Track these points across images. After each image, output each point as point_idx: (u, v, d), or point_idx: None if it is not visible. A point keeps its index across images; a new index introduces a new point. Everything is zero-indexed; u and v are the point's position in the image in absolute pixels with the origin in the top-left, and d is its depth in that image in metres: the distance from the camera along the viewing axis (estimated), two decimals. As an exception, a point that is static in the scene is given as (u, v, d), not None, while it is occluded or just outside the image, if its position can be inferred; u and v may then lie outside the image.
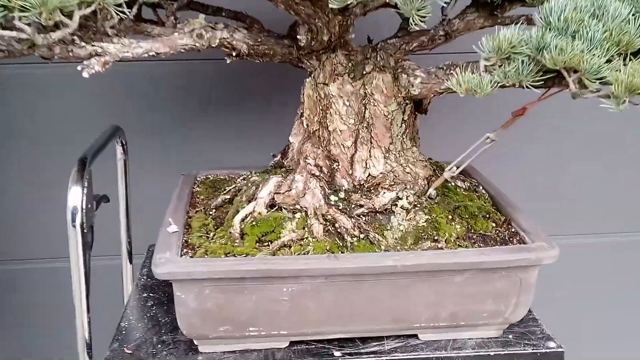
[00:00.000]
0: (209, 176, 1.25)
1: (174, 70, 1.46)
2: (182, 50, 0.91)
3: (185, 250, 0.92)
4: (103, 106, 1.43)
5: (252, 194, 1.01)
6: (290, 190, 0.98)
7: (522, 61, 0.74)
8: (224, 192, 1.09)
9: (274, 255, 0.90)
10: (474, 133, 0.93)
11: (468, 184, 1.09)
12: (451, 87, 0.78)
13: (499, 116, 0.94)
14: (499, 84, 0.77)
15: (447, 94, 0.92)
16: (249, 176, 1.10)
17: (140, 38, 0.88)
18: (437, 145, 1.15)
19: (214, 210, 1.06)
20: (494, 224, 1.00)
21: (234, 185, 1.09)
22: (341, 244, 0.92)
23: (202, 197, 1.15)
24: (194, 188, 1.18)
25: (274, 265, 0.86)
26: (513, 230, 0.99)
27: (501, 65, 0.75)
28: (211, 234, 0.98)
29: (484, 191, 1.09)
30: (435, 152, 1.13)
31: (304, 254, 0.90)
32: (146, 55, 0.86)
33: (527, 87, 0.73)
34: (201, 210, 1.09)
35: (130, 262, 1.29)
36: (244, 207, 0.98)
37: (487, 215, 1.01)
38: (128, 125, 1.26)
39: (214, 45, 0.94)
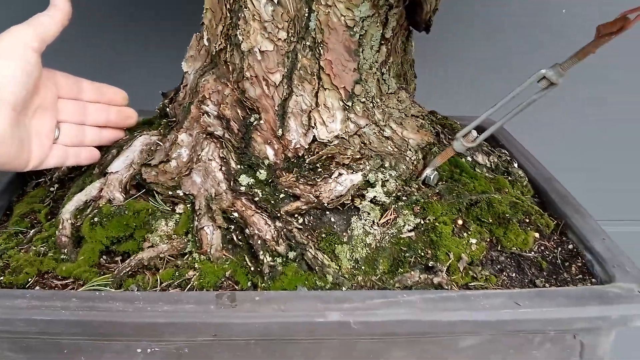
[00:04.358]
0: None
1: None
2: None
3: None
4: None
5: (109, 163, 0.57)
6: (169, 160, 0.53)
7: None
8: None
9: (119, 287, 0.48)
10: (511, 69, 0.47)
11: (495, 160, 0.64)
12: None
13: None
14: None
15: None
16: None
17: None
18: (447, 92, 0.68)
19: (56, 184, 0.63)
20: (537, 234, 0.56)
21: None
22: (252, 268, 0.50)
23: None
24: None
25: (100, 316, 0.43)
26: (571, 246, 0.56)
27: None
28: (31, 232, 0.55)
29: (521, 173, 0.63)
30: (439, 104, 0.67)
31: (179, 285, 0.48)
32: None
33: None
34: (45, 181, 0.65)
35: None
36: (86, 188, 0.54)
37: (527, 219, 0.57)
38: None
39: None
